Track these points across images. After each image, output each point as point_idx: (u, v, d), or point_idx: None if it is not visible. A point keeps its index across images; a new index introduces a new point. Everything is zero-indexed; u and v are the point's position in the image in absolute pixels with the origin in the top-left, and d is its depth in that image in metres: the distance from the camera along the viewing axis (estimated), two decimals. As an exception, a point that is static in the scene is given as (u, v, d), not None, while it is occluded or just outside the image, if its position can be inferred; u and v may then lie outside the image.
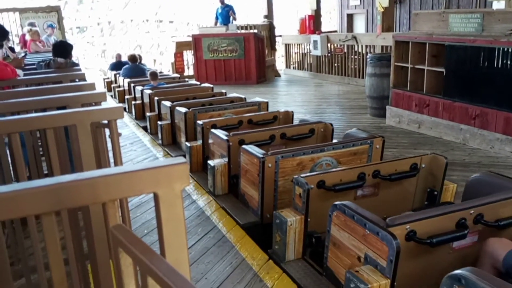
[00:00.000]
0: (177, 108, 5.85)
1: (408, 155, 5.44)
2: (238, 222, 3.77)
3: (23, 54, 7.08)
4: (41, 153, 3.47)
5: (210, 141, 4.64)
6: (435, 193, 3.41)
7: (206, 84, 7.95)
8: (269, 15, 13.97)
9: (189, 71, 13.33)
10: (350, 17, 15.55)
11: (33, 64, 5.71)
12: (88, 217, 2.11)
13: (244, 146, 3.89)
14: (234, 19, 12.97)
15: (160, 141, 6.34)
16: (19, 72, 4.52)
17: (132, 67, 9.76)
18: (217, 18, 13.24)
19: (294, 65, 13.75)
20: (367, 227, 2.42)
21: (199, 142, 5.07)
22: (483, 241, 2.46)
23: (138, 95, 7.98)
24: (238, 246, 3.42)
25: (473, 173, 4.70)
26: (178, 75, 10.35)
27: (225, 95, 6.84)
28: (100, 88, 10.83)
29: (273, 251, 3.23)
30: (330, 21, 20.19)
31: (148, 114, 7.07)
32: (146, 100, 7.41)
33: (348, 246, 2.57)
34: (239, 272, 3.06)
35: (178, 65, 13.10)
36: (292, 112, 5.24)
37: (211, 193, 4.39)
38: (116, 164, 2.25)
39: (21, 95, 2.99)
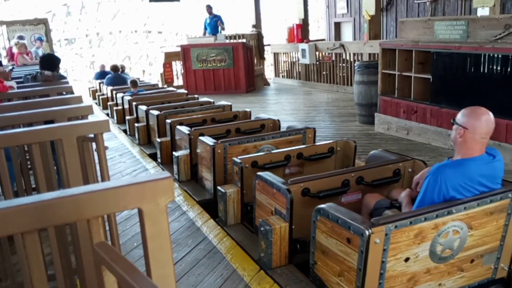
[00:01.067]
0: (151, 111, 6.50)
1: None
2: (195, 199, 4.53)
3: (10, 68, 7.04)
4: (29, 167, 3.44)
5: (177, 137, 5.32)
6: None
7: (181, 90, 8.76)
8: (257, 25, 14.04)
9: (178, 81, 13.33)
10: (337, 25, 15.67)
11: (20, 77, 5.68)
12: (75, 232, 2.09)
13: (200, 137, 4.59)
14: (223, 29, 13.01)
15: (137, 141, 6.96)
16: (13, 83, 4.50)
17: (114, 76, 10.52)
18: (205, 28, 13.28)
19: (283, 74, 13.81)
20: (274, 187, 3.24)
21: (168, 138, 5.75)
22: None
23: (119, 101, 8.64)
24: (228, 257, 3.40)
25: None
26: (156, 83, 11.01)
27: (197, 99, 7.54)
28: (87, 100, 10.88)
29: (219, 219, 4.05)
30: (318, 30, 20.34)
31: (127, 117, 7.74)
32: (126, 105, 8.08)
33: (266, 205, 3.41)
34: (230, 284, 3.05)
35: (167, 76, 13.10)
36: (250, 112, 5.92)
37: (176, 180, 5.01)
38: (103, 178, 2.24)
39: (7, 109, 2.97)
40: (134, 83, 8.87)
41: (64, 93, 4.09)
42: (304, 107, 9.81)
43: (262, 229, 3.19)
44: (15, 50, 9.37)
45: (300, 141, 4.61)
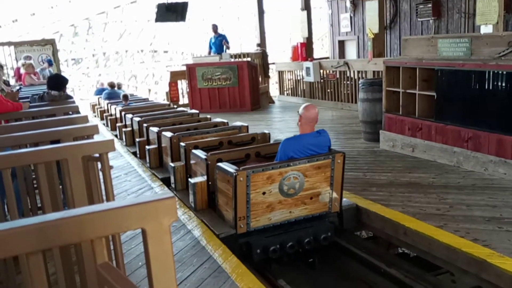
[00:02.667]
0: (163, 133, 6.27)
1: (403, 179, 5.46)
2: (215, 233, 4.31)
3: (17, 88, 7.12)
4: (35, 185, 3.45)
5: (192, 161, 5.23)
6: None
7: (193, 111, 8.63)
8: (262, 43, 14.16)
9: (183, 99, 13.41)
10: (341, 43, 15.78)
11: (27, 97, 5.74)
12: (79, 252, 2.09)
13: (218, 164, 4.53)
14: (228, 48, 13.13)
15: (148, 165, 6.68)
16: (25, 104, 4.56)
17: (111, 91, 12.16)
18: (210, 48, 13.41)
19: (287, 92, 13.86)
20: (201, 160, 4.81)
21: (183, 162, 5.54)
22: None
23: (128, 122, 8.59)
24: (233, 277, 3.38)
25: (469, 196, 4.73)
26: (169, 103, 11.36)
27: (210, 119, 7.34)
28: (93, 119, 11.15)
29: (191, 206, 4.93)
30: (322, 48, 20.49)
31: (137, 139, 7.51)
32: (136, 127, 7.83)
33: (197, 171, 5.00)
34: (235, 303, 3.02)
35: (173, 94, 13.19)
36: (269, 134, 5.94)
37: (193, 208, 4.88)
38: (107, 198, 2.24)
39: (14, 129, 3.00)
40: (125, 97, 10.33)
41: (71, 112, 4.13)
42: (309, 124, 9.81)
43: (190, 184, 4.85)
44: (22, 70, 9.48)
45: (329, 166, 4.35)
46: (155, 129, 6.59)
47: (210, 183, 4.73)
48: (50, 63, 11.26)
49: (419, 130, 6.39)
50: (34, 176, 3.35)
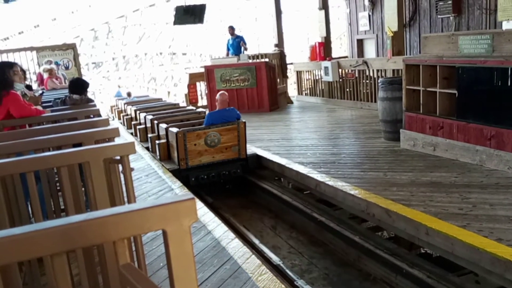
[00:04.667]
0: (170, 129, 7.50)
1: (424, 179, 5.40)
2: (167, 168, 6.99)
3: (40, 92, 7.25)
4: (58, 188, 3.52)
5: (161, 132, 7.76)
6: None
7: (201, 109, 9.73)
8: (280, 44, 14.14)
9: (202, 101, 13.49)
10: (360, 42, 15.67)
11: (50, 101, 5.85)
12: (102, 253, 2.12)
13: (170, 128, 7.39)
14: (245, 49, 13.15)
15: (158, 157, 7.88)
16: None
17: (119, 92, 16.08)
18: (228, 49, 13.45)
19: (306, 92, 13.82)
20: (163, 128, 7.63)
21: (164, 140, 7.71)
22: None
23: (142, 120, 9.69)
24: (254, 278, 3.39)
25: (492, 195, 4.65)
26: (177, 103, 12.20)
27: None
28: (113, 123, 11.43)
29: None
30: (341, 47, 20.36)
31: (149, 135, 8.73)
32: (149, 124, 8.95)
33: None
34: (255, 304, 3.03)
35: (191, 96, 13.27)
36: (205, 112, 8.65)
37: (157, 158, 7.68)
38: (129, 199, 2.27)
39: (37, 133, 3.06)
40: (128, 94, 15.38)
41: (92, 116, 4.19)
42: (328, 124, 9.78)
43: (156, 144, 7.71)
44: (45, 75, 9.65)
45: (236, 129, 7.24)
46: (164, 125, 7.76)
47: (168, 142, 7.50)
48: (66, 67, 11.44)
49: (441, 128, 6.30)
50: (57, 179, 3.42)
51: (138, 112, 9.65)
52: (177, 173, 6.73)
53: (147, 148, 8.46)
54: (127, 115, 11.25)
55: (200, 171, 7.07)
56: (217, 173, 7.14)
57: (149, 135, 8.43)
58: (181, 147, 6.92)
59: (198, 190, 6.95)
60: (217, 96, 7.54)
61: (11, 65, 4.64)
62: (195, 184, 6.97)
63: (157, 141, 7.81)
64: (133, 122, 10.28)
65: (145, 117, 9.08)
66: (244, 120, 7.28)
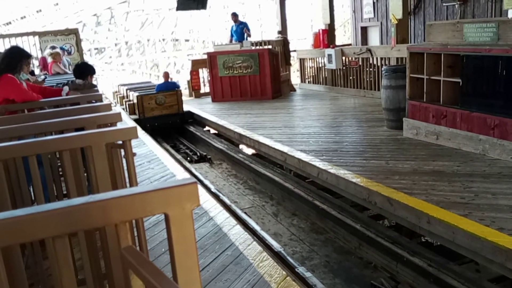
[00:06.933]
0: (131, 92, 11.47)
1: (426, 167, 5.39)
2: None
3: (43, 77, 7.23)
4: (61, 173, 3.52)
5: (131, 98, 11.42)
6: None
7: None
8: (283, 31, 14.05)
9: (205, 88, 13.45)
10: (364, 30, 15.53)
11: (53, 86, 5.82)
12: (104, 237, 2.13)
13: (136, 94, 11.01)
14: (249, 36, 13.06)
15: (127, 112, 11.08)
16: (65, 88, 4.66)
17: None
18: (232, 36, 13.37)
19: (309, 79, 13.76)
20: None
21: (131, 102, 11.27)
22: None
23: (131, 97, 12.23)
24: (255, 264, 3.40)
25: (494, 184, 4.64)
26: (150, 81, 14.19)
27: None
28: (116, 108, 11.78)
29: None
30: (345, 34, 20.22)
31: (124, 100, 12.17)
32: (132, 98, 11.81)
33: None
34: (256, 290, 3.05)
35: (194, 83, 13.24)
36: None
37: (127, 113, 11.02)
38: (131, 184, 2.27)
39: (39, 117, 3.05)
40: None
41: (94, 101, 4.18)
42: (330, 112, 9.75)
43: (126, 105, 11.46)
44: (49, 59, 9.60)
45: (175, 95, 10.88)
46: (132, 93, 11.33)
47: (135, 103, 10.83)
48: (69, 52, 11.38)
49: (444, 117, 6.27)
50: (59, 164, 3.42)
51: (128, 90, 12.40)
52: (138, 122, 9.94)
53: (123, 109, 11.48)
54: (129, 100, 12.23)
55: (153, 120, 10.68)
56: (164, 122, 10.76)
57: (124, 100, 11.89)
58: (140, 105, 10.71)
59: (155, 136, 9.69)
60: (163, 73, 11.84)
61: (28, 56, 4.60)
62: (150, 129, 10.10)
63: (127, 102, 11.42)
64: (124, 100, 12.58)
65: (127, 91, 12.32)
66: (180, 89, 11.19)
